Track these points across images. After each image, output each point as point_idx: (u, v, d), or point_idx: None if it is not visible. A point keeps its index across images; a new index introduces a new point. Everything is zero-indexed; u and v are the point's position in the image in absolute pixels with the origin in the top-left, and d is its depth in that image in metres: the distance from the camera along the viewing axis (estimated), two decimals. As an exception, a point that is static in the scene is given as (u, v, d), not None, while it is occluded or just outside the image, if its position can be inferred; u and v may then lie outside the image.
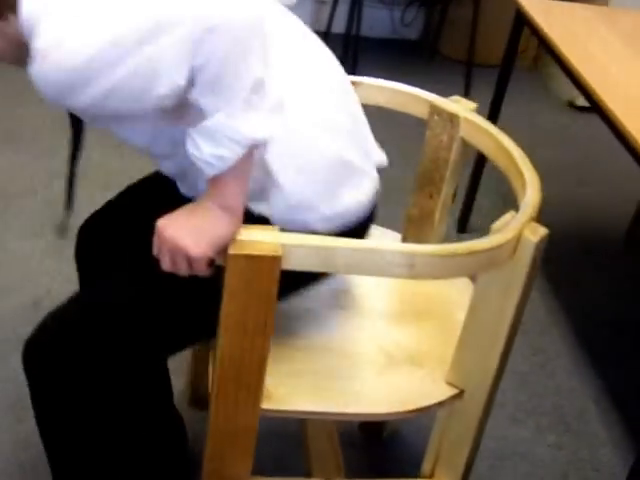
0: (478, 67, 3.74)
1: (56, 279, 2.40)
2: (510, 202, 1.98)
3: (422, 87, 1.72)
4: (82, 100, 1.13)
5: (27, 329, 1.42)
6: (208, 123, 1.14)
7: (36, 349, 1.38)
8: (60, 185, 2.67)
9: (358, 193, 1.41)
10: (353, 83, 1.62)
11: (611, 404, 2.28)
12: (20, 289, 2.34)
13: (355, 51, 3.52)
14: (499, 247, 1.32)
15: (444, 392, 1.54)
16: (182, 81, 1.10)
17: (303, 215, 1.35)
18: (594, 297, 2.65)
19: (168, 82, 1.10)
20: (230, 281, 1.23)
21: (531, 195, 1.42)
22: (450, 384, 1.55)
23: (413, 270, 1.26)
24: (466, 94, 3.75)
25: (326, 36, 3.82)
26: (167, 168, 1.44)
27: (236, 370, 1.32)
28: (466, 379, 1.53)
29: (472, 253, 1.30)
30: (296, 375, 1.46)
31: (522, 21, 2.57)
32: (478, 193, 2.79)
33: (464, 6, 3.84)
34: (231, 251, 1.22)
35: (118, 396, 1.41)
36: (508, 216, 1.38)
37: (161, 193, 1.58)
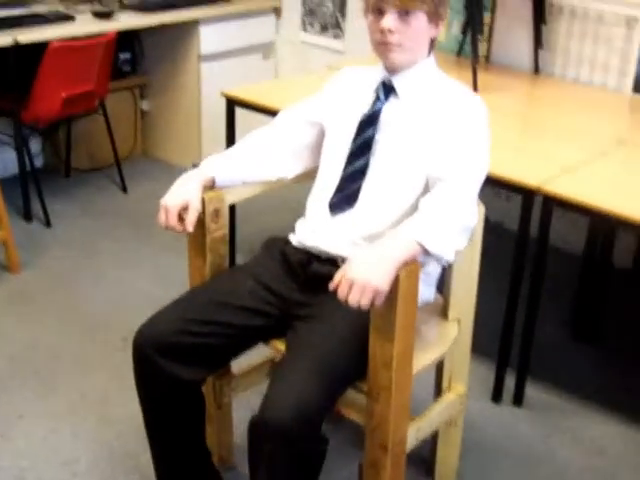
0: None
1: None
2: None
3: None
4: None
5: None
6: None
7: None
8: None
9: None
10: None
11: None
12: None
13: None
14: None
15: (455, 325, 2.36)
16: None
17: None
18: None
19: None
20: (404, 292, 1.93)
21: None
22: (453, 319, 2.37)
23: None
24: (124, 190, 4.43)
25: None
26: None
27: (406, 347, 2.01)
28: (460, 310, 2.36)
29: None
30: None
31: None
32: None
33: (88, 121, 4.44)
34: (402, 274, 1.91)
35: None
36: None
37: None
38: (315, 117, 2.35)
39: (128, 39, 4.44)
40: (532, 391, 3.01)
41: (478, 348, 2.51)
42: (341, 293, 1.87)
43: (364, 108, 2.24)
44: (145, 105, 4.86)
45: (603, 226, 3.23)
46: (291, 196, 3.90)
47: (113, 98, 4.37)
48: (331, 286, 1.90)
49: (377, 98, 2.23)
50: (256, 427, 1.96)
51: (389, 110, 2.21)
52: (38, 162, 4.52)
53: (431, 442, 2.56)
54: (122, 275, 3.72)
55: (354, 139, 2.23)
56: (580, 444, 2.79)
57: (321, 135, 2.35)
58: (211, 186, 2.26)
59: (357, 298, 1.85)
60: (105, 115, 4.27)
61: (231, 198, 2.34)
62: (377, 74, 2.24)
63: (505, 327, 2.88)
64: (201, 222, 2.24)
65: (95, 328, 3.32)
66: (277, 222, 4.06)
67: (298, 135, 2.36)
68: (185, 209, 2.16)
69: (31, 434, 2.74)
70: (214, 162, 2.29)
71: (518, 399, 2.96)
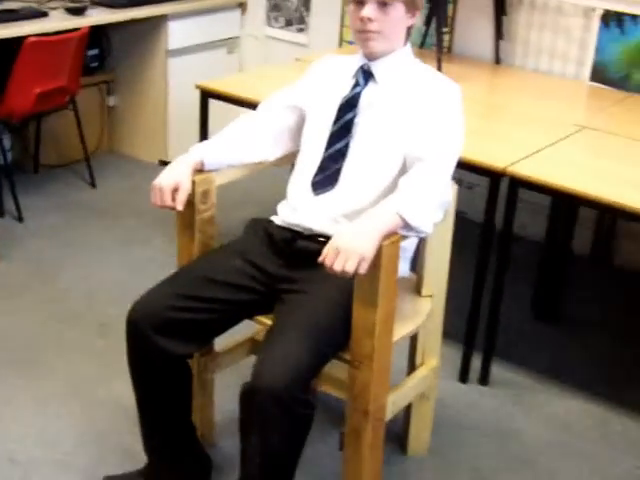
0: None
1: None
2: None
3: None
4: None
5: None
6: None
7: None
8: None
9: None
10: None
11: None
12: None
13: None
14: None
15: (429, 301, 2.48)
16: None
17: None
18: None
19: None
20: (386, 261, 2.04)
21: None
22: (426, 295, 2.48)
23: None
24: (92, 185, 4.51)
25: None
26: None
27: (387, 315, 2.13)
28: (433, 286, 2.48)
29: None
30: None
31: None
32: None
33: (56, 117, 4.49)
34: (385, 243, 2.03)
35: None
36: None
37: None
38: (296, 102, 2.46)
39: (95, 35, 4.48)
40: (497, 370, 3.13)
41: (445, 331, 2.62)
42: (328, 261, 1.99)
43: (344, 93, 2.35)
44: (112, 101, 4.92)
45: (564, 209, 3.37)
46: (250, 191, 4.05)
47: (80, 94, 4.40)
48: (320, 259, 2.01)
49: (356, 83, 2.34)
50: (248, 395, 2.05)
51: (368, 94, 2.33)
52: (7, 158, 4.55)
53: (404, 419, 2.69)
54: (94, 265, 3.78)
55: (334, 122, 2.34)
56: (545, 420, 2.93)
57: (301, 120, 2.46)
58: (200, 169, 2.36)
59: (343, 265, 1.96)
60: (75, 111, 4.33)
61: (219, 180, 2.44)
62: (356, 61, 2.36)
63: (472, 310, 3.00)
64: (190, 203, 2.34)
65: (73, 316, 3.39)
66: (244, 215, 4.15)
67: (279, 120, 2.47)
68: (176, 190, 2.26)
69: (18, 418, 2.80)
70: (203, 147, 2.40)
71: (484, 378, 3.09)
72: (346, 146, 2.32)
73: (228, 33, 4.87)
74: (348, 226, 2.07)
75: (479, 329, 3.02)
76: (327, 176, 2.33)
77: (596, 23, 3.71)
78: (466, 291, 2.98)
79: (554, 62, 3.88)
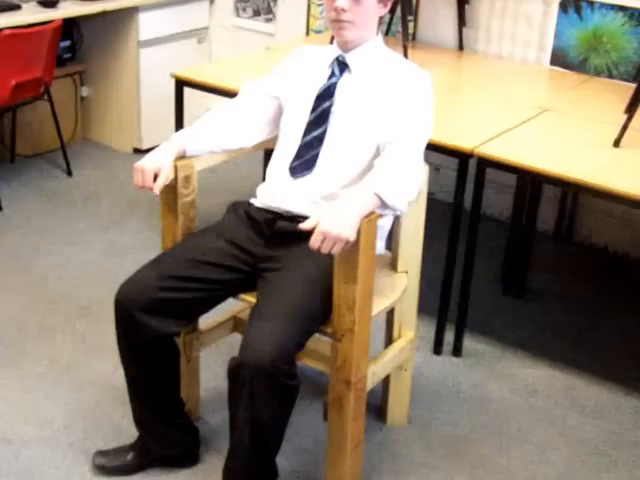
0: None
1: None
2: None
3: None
4: None
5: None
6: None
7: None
8: None
9: None
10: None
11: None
12: None
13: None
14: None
15: (404, 277, 2.61)
16: None
17: None
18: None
19: None
20: (365, 238, 2.17)
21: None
22: (402, 271, 2.62)
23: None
24: (68, 173, 4.58)
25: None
26: None
27: (366, 290, 2.25)
28: (408, 262, 2.62)
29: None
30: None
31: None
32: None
33: (30, 108, 4.55)
34: (363, 222, 2.15)
35: None
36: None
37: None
38: (274, 92, 2.57)
39: (67, 27, 4.55)
40: (469, 342, 3.28)
41: (419, 306, 2.76)
42: (315, 245, 2.10)
43: (320, 83, 2.47)
44: (85, 91, 4.99)
45: (529, 188, 3.52)
46: (221, 175, 4.15)
47: (54, 85, 4.47)
48: (310, 244, 2.12)
49: (332, 73, 2.47)
50: (236, 369, 2.17)
51: (343, 84, 2.46)
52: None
53: (383, 390, 2.82)
54: (74, 251, 3.88)
55: (312, 110, 2.46)
56: (515, 387, 3.08)
57: (279, 108, 2.57)
58: (182, 155, 2.47)
59: (330, 248, 2.09)
60: (51, 101, 4.40)
61: (200, 165, 2.55)
62: (331, 52, 2.48)
63: (444, 286, 3.15)
64: (173, 188, 2.45)
65: (55, 301, 3.48)
66: (218, 198, 4.26)
67: (258, 108, 2.58)
68: (157, 174, 2.37)
69: (7, 399, 2.89)
70: (185, 134, 2.50)
71: (457, 350, 3.24)
72: (323, 133, 2.44)
73: (197, 23, 4.97)
74: (330, 210, 2.16)
75: (451, 304, 3.17)
76: (305, 161, 2.45)
77: (555, 10, 3.85)
78: (438, 269, 3.12)
79: (515, 48, 4.02)
